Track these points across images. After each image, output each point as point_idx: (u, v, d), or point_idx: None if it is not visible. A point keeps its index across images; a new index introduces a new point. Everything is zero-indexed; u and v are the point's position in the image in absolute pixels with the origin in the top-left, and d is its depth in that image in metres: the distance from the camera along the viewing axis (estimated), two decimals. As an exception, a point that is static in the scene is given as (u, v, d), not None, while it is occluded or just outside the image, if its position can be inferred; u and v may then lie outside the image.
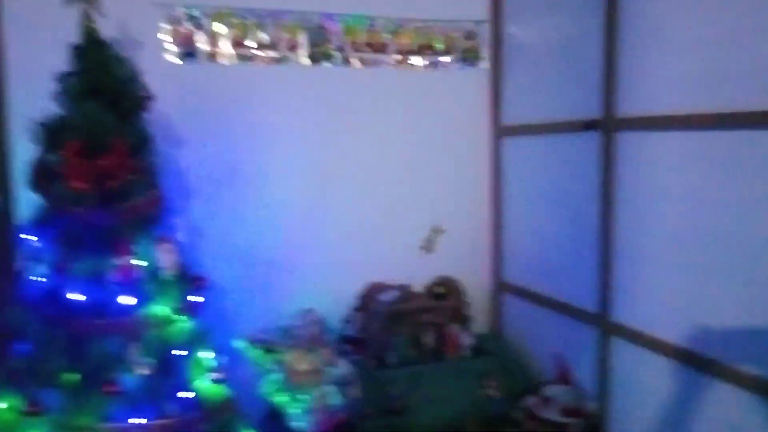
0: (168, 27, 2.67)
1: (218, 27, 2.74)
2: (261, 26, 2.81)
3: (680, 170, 2.20)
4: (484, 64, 3.18)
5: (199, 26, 2.71)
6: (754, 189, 1.93)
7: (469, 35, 3.14)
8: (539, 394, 2.71)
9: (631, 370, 2.45)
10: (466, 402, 2.73)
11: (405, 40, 3.03)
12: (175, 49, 2.69)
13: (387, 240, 3.08)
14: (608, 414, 2.56)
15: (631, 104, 2.38)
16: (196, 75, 2.73)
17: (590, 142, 2.55)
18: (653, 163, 2.30)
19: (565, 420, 2.56)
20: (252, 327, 2.60)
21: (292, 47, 2.87)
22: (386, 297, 2.97)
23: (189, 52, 2.72)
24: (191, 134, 2.69)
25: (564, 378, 2.75)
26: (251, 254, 2.82)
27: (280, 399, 2.41)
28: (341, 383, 2.44)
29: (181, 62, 2.70)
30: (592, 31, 2.50)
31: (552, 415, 2.60)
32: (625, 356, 2.48)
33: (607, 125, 2.47)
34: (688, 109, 2.14)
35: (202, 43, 2.73)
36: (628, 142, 2.40)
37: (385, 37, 3.00)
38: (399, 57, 3.03)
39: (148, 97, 2.17)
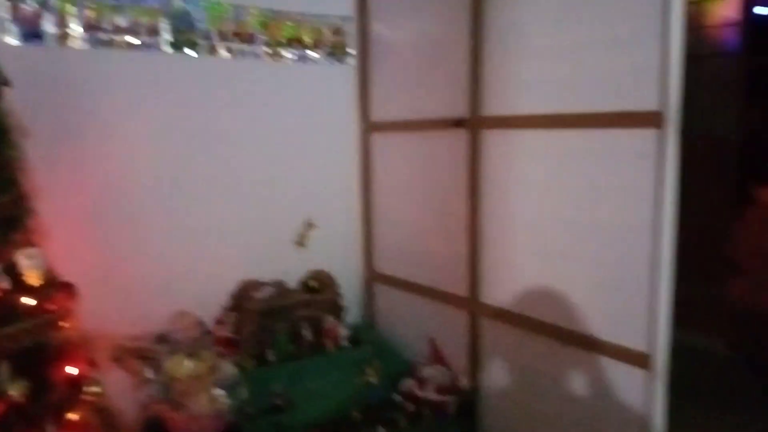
0: (6, 2, 2.35)
1: (69, 7, 2.47)
2: (118, 9, 2.59)
3: (538, 165, 2.46)
4: (352, 61, 3.24)
5: (45, 5, 2.42)
6: (599, 181, 2.23)
7: (337, 31, 3.18)
8: (415, 376, 2.87)
9: (500, 346, 2.70)
10: (348, 391, 2.79)
11: (274, 33, 2.98)
12: (14, 28, 2.37)
13: (259, 236, 3.03)
14: (481, 388, 2.79)
15: (495, 104, 2.59)
16: (41, 59, 2.43)
17: (458, 139, 2.74)
18: (515, 159, 2.55)
19: (440, 398, 2.75)
20: (124, 335, 2.41)
21: (153, 33, 2.68)
22: (260, 294, 2.93)
23: (33, 33, 2.42)
24: (34, 127, 2.39)
25: (438, 359, 2.94)
26: (111, 257, 2.60)
27: (161, 408, 2.28)
28: (228, 386, 2.37)
29: (22, 44, 2.39)
30: (459, 35, 2.67)
31: (429, 394, 2.77)
32: (494, 334, 2.72)
33: (473, 123, 2.67)
34: (545, 109, 2.40)
35: (49, 23, 2.44)
36: (493, 140, 2.62)
37: (254, 27, 2.92)
38: (268, 49, 2.98)
39: (4, 83, 1.90)
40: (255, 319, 2.83)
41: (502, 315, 2.64)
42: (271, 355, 2.81)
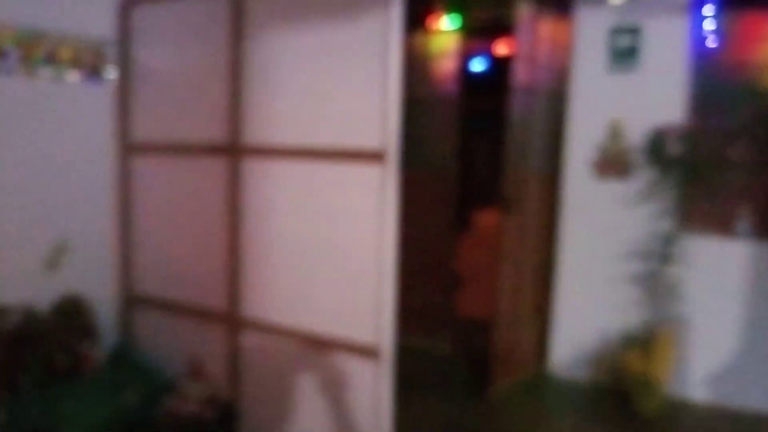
0: None
1: None
2: None
3: (288, 191, 2.81)
4: (112, 82, 3.26)
5: None
6: (337, 207, 2.66)
7: (97, 51, 3.18)
8: (176, 393, 2.98)
9: (258, 355, 2.96)
10: (106, 414, 2.78)
11: (30, 50, 2.89)
12: None
13: (5, 260, 2.86)
14: (241, 397, 3.01)
15: (253, 134, 2.89)
16: None
17: (219, 164, 2.97)
18: (270, 185, 2.87)
19: (201, 412, 2.90)
20: None
21: None
22: (6, 322, 2.77)
23: None
24: None
25: (198, 374, 3.08)
26: None
27: None
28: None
29: None
30: (221, 67, 2.93)
31: (189, 409, 2.90)
32: (252, 344, 2.97)
33: (233, 151, 2.93)
34: (295, 142, 2.76)
35: None
36: (251, 167, 2.91)
37: (7, 45, 2.81)
38: (22, 67, 2.87)
39: None
40: (2, 348, 2.68)
41: (260, 326, 2.91)
42: (24, 384, 2.68)
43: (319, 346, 2.74)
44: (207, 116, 3.02)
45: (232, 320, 3.01)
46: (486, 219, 5.23)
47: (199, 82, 3.06)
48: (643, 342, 3.63)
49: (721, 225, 3.66)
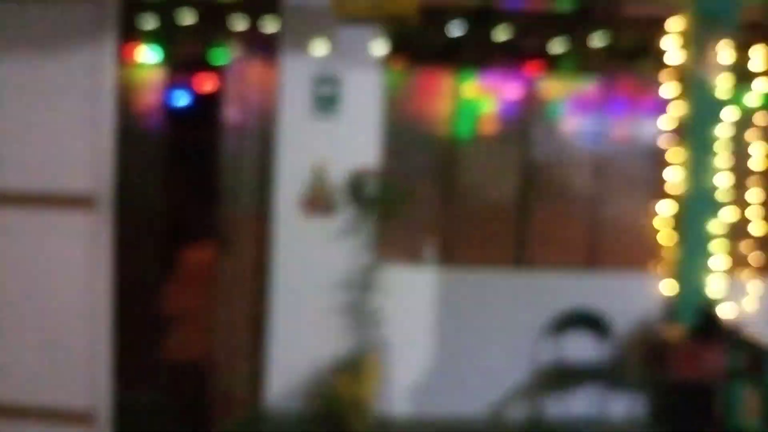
0: None
1: None
2: None
3: None
4: None
5: None
6: (41, 257, 2.30)
7: None
8: None
9: None
10: None
11: None
12: None
13: None
14: None
15: None
16: None
17: None
18: None
19: None
20: None
21: None
22: None
23: None
24: None
25: None
26: None
27: None
28: None
29: None
30: None
31: None
32: None
33: None
34: None
35: None
36: None
37: None
38: None
39: None
40: None
41: None
42: None
43: (18, 416, 2.30)
44: None
45: None
46: (196, 257, 5.06)
47: None
48: (352, 367, 3.92)
49: (412, 254, 4.21)
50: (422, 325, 4.15)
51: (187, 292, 4.69)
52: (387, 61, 4.12)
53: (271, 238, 4.08)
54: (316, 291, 4.05)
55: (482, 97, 4.37)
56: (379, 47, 4.00)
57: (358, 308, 4.00)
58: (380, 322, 4.03)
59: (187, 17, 3.97)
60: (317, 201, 4.01)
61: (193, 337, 4.22)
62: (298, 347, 4.08)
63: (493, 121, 4.38)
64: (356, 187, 3.97)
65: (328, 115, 4.00)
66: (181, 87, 5.38)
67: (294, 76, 3.99)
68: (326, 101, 3.98)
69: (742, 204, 4.31)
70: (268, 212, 4.08)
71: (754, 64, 4.30)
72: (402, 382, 4.13)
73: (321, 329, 4.06)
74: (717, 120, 4.08)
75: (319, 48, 3.95)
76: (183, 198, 4.71)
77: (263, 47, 3.94)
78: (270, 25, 3.98)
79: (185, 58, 4.30)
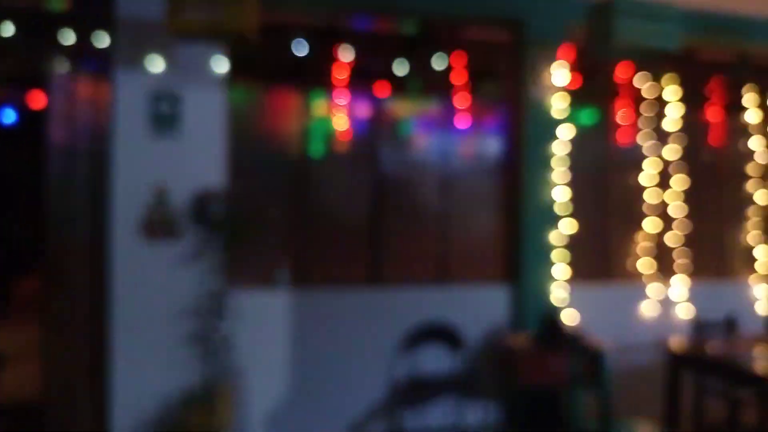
0: None
1: None
2: None
3: None
4: None
5: None
6: None
7: None
8: None
9: None
10: None
11: None
12: None
13: None
14: None
15: None
16: None
17: None
18: None
19: None
20: None
21: None
22: None
23: None
24: None
25: None
26: None
27: None
28: None
29: None
30: None
31: None
32: None
33: None
34: None
35: None
36: None
37: None
38: None
39: None
40: None
41: None
42: None
43: None
44: None
45: None
46: (27, 288, 4.64)
47: None
48: (203, 397, 3.75)
49: (264, 278, 4.11)
50: (278, 348, 4.05)
51: (18, 326, 4.28)
52: (231, 79, 4.02)
53: (110, 265, 3.81)
54: (161, 320, 3.82)
55: (332, 116, 4.38)
56: (222, 65, 3.88)
57: (208, 336, 3.83)
58: (232, 349, 3.88)
59: (11, 29, 3.66)
60: (159, 225, 3.79)
61: (27, 376, 3.85)
62: (143, 380, 3.83)
63: (343, 141, 4.40)
64: (200, 209, 3.80)
65: (167, 134, 3.81)
66: (7, 104, 4.94)
67: (129, 93, 3.76)
68: (165, 120, 3.78)
69: (579, 216, 4.64)
70: (105, 238, 3.82)
71: (587, 84, 4.65)
72: (259, 408, 4.01)
73: (168, 360, 3.83)
74: (553, 138, 4.37)
75: (156, 64, 3.77)
76: (9, 224, 4.30)
77: (95, 62, 3.70)
78: (102, 40, 3.75)
79: (10, 74, 3.95)
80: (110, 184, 3.77)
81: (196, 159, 3.85)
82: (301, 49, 4.14)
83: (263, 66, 4.15)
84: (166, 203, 3.79)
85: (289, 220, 4.21)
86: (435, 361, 4.27)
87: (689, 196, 4.93)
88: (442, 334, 4.28)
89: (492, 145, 4.60)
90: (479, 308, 4.38)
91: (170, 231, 3.80)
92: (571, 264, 4.65)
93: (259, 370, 4.00)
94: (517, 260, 4.39)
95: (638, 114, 4.88)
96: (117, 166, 3.76)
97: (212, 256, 3.86)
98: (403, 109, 4.48)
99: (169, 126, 3.79)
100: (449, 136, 4.53)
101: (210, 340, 3.83)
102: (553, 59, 4.34)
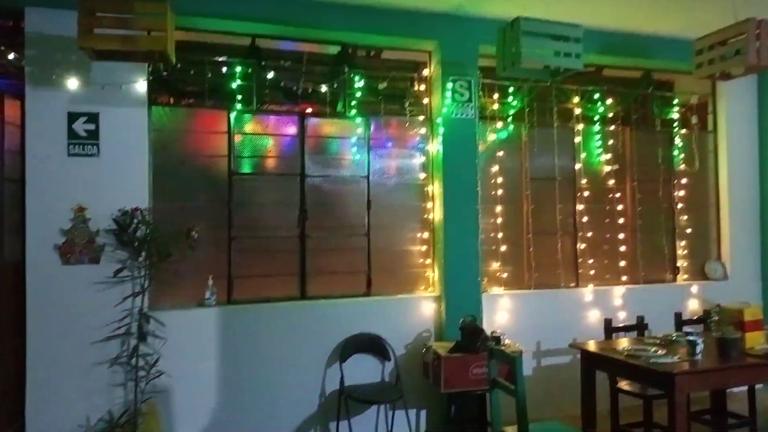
0: None
1: None
2: None
3: None
4: None
5: None
6: None
7: None
8: None
9: None
10: None
11: None
12: None
13: None
14: None
15: None
16: None
17: None
18: None
19: None
20: None
21: None
22: None
23: None
24: None
25: None
26: None
27: None
28: None
29: None
30: None
31: None
32: None
33: None
34: None
35: None
36: None
37: None
38: None
39: None
40: None
41: None
42: None
43: None
44: None
45: None
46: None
47: None
48: (129, 419, 3.67)
49: (191, 297, 4.07)
50: (209, 366, 4.03)
51: None
52: (153, 97, 3.99)
53: (27, 290, 3.68)
54: (84, 343, 3.71)
55: (259, 134, 4.41)
56: (141, 83, 3.85)
57: (136, 358, 3.75)
58: (158, 370, 3.82)
59: None
60: (80, 247, 3.71)
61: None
62: (64, 405, 3.71)
63: (271, 158, 4.43)
64: (122, 229, 3.74)
65: (87, 153, 3.73)
66: None
67: (45, 112, 3.67)
68: (84, 139, 3.72)
69: (491, 228, 4.86)
70: (20, 261, 3.69)
71: (496, 105, 4.90)
72: (191, 426, 3.95)
73: (93, 383, 3.73)
74: (470, 154, 4.57)
75: (72, 83, 3.70)
76: None
77: (6, 80, 3.59)
78: (13, 57, 3.65)
79: None
80: (24, 206, 3.66)
81: (118, 178, 3.79)
82: (225, 69, 4.17)
83: (186, 84, 4.13)
84: (87, 224, 3.71)
85: (216, 238, 4.18)
86: (365, 372, 4.33)
87: (591, 210, 5.27)
88: (370, 345, 4.36)
89: (412, 163, 4.75)
90: (405, 319, 4.49)
91: (91, 253, 3.72)
92: (492, 274, 4.85)
93: (189, 389, 3.95)
94: (440, 272, 4.54)
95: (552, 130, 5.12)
96: (32, 187, 3.66)
97: (138, 276, 3.79)
98: (329, 127, 4.56)
99: (88, 145, 3.72)
100: (373, 153, 4.64)
101: (137, 361, 3.76)
102: (467, 79, 4.54)
